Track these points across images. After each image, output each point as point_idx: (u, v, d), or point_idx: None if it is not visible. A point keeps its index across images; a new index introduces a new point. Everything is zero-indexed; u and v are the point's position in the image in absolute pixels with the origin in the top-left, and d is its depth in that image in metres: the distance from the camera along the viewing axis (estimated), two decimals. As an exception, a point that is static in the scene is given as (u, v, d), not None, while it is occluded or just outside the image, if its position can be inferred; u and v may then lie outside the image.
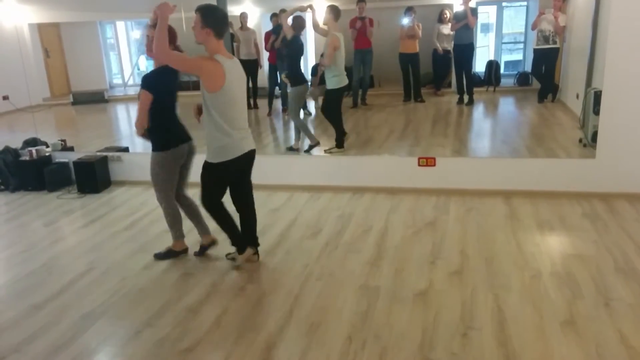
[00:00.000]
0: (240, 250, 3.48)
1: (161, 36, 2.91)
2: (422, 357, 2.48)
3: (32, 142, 5.80)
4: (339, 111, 5.44)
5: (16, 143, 5.75)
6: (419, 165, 4.78)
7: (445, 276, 3.23)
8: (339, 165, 5.09)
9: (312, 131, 5.77)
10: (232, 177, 3.33)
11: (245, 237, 3.54)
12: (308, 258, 3.58)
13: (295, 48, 5.41)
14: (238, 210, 3.50)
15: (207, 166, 3.20)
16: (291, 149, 5.57)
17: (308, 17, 5.49)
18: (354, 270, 3.38)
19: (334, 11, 5.18)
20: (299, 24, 5.35)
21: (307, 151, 5.50)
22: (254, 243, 3.58)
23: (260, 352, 2.59)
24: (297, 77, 5.45)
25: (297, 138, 5.60)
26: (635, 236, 3.66)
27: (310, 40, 6.65)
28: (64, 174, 5.52)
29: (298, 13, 5.32)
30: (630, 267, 3.23)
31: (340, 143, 5.40)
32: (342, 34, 5.33)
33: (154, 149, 3.44)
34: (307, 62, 7.07)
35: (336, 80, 5.30)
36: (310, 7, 5.20)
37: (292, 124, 5.64)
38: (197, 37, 3.03)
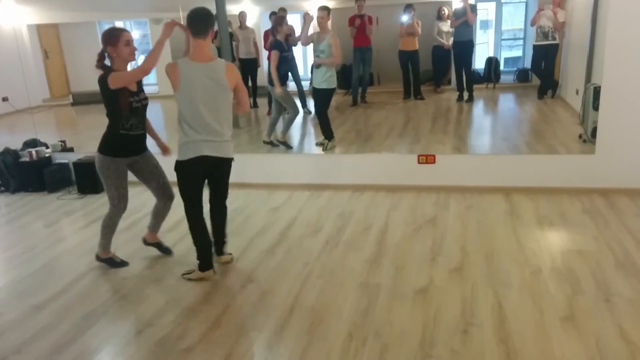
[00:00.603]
0: (203, 268, 3.35)
1: (155, 54, 3.07)
2: (423, 353, 2.48)
3: (32, 143, 5.81)
4: (325, 110, 5.42)
5: (16, 144, 5.75)
6: (419, 162, 4.78)
7: (446, 273, 3.24)
8: (339, 163, 5.09)
9: (311, 130, 5.79)
10: (195, 177, 3.24)
11: (215, 240, 3.52)
12: (308, 256, 3.59)
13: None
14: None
15: (175, 164, 3.21)
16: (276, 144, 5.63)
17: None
18: (355, 268, 3.38)
19: (329, 11, 5.16)
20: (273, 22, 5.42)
21: (266, 142, 5.61)
22: (221, 246, 3.56)
23: (262, 351, 2.59)
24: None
25: (283, 132, 5.60)
26: (635, 231, 3.66)
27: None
28: (64, 175, 5.53)
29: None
30: (631, 262, 3.23)
31: (329, 135, 5.39)
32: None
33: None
34: (307, 61, 7.06)
35: (326, 80, 5.28)
36: (306, 15, 5.22)
37: (293, 122, 5.67)
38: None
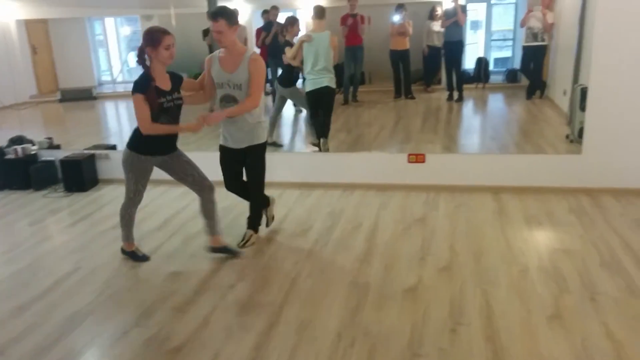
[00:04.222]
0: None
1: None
2: (411, 353, 2.49)
3: (18, 140, 5.73)
4: (311, 113, 5.35)
5: (1, 141, 5.68)
6: (409, 161, 4.79)
7: (435, 272, 3.24)
8: (330, 162, 5.08)
9: (302, 129, 5.79)
10: None
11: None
12: (298, 255, 3.58)
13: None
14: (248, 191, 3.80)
15: (263, 147, 3.62)
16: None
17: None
18: (344, 266, 3.38)
19: (312, 10, 5.09)
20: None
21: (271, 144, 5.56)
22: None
23: (250, 351, 2.58)
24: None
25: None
26: (620, 231, 3.69)
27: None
28: (51, 173, 5.47)
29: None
30: (616, 261, 3.26)
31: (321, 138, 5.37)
32: (324, 33, 5.14)
33: None
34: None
35: (306, 81, 5.19)
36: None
37: (284, 121, 5.67)
38: (226, 40, 3.30)
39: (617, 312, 2.72)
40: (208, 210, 3.54)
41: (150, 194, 4.96)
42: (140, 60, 3.18)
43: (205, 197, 3.52)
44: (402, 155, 4.82)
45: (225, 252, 3.61)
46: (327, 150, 5.27)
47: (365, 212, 4.28)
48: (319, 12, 5.08)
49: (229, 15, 3.25)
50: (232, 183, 3.72)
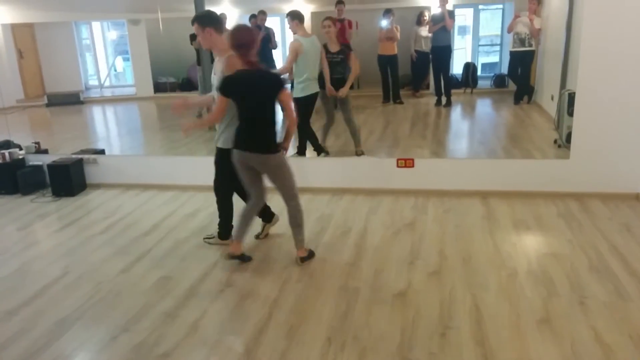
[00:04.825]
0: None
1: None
2: (401, 357, 2.49)
3: (5, 144, 5.68)
4: (304, 121, 5.19)
5: (-12, 146, 5.61)
6: (398, 166, 4.81)
7: (424, 276, 3.26)
8: (319, 166, 5.09)
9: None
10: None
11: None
12: (287, 260, 3.57)
13: None
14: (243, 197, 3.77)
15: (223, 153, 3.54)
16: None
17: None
18: (334, 271, 3.38)
19: (297, 16, 4.92)
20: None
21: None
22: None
23: (239, 356, 2.56)
24: None
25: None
26: (608, 235, 3.73)
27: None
28: (38, 177, 5.42)
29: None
30: (604, 265, 3.30)
31: (301, 150, 5.28)
32: (313, 37, 5.09)
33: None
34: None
35: (300, 87, 5.08)
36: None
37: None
38: (204, 43, 3.41)
39: (605, 316, 2.75)
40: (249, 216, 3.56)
41: (138, 199, 4.93)
42: (256, 61, 3.21)
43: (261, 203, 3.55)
44: (391, 160, 4.84)
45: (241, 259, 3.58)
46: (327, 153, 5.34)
47: (354, 217, 4.29)
48: (300, 15, 4.96)
49: (201, 19, 3.38)
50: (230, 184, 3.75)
